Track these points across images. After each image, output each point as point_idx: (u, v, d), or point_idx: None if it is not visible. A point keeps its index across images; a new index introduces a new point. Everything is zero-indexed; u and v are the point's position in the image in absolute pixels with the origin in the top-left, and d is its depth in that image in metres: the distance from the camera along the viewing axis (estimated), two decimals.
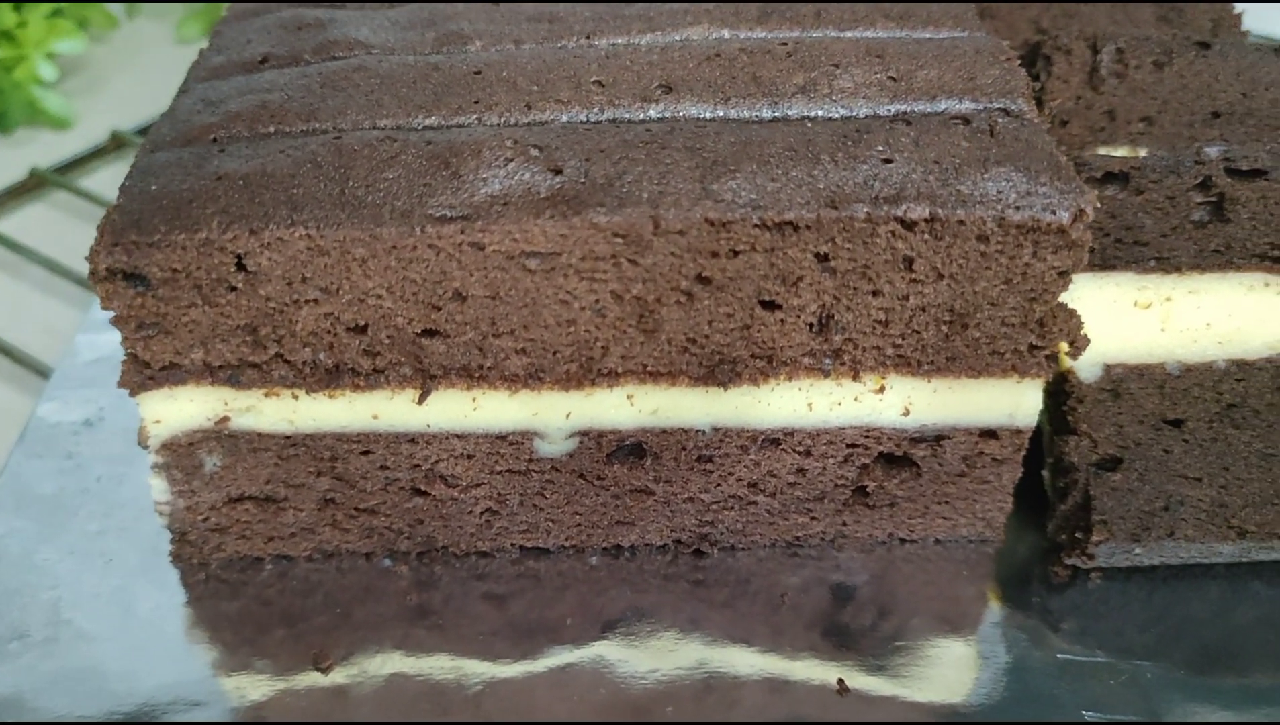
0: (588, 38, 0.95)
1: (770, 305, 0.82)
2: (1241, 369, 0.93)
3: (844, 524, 0.97)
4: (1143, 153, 1.07)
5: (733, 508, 0.95)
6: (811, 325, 0.84)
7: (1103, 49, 1.09)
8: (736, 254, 0.79)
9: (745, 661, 0.91)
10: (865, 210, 0.77)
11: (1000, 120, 0.84)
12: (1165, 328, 0.94)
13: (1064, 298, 0.92)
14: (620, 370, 0.85)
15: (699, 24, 0.96)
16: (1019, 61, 1.09)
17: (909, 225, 0.78)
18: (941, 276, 0.81)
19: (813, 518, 0.96)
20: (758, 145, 0.81)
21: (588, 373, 0.85)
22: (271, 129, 0.85)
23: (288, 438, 0.87)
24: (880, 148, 0.81)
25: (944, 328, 0.84)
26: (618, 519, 0.95)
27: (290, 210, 0.77)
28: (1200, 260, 0.94)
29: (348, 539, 0.95)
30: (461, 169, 0.79)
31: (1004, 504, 0.96)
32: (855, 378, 0.87)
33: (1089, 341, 0.87)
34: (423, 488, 0.91)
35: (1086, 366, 0.94)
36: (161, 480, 0.89)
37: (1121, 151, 1.08)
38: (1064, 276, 0.82)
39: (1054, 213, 0.77)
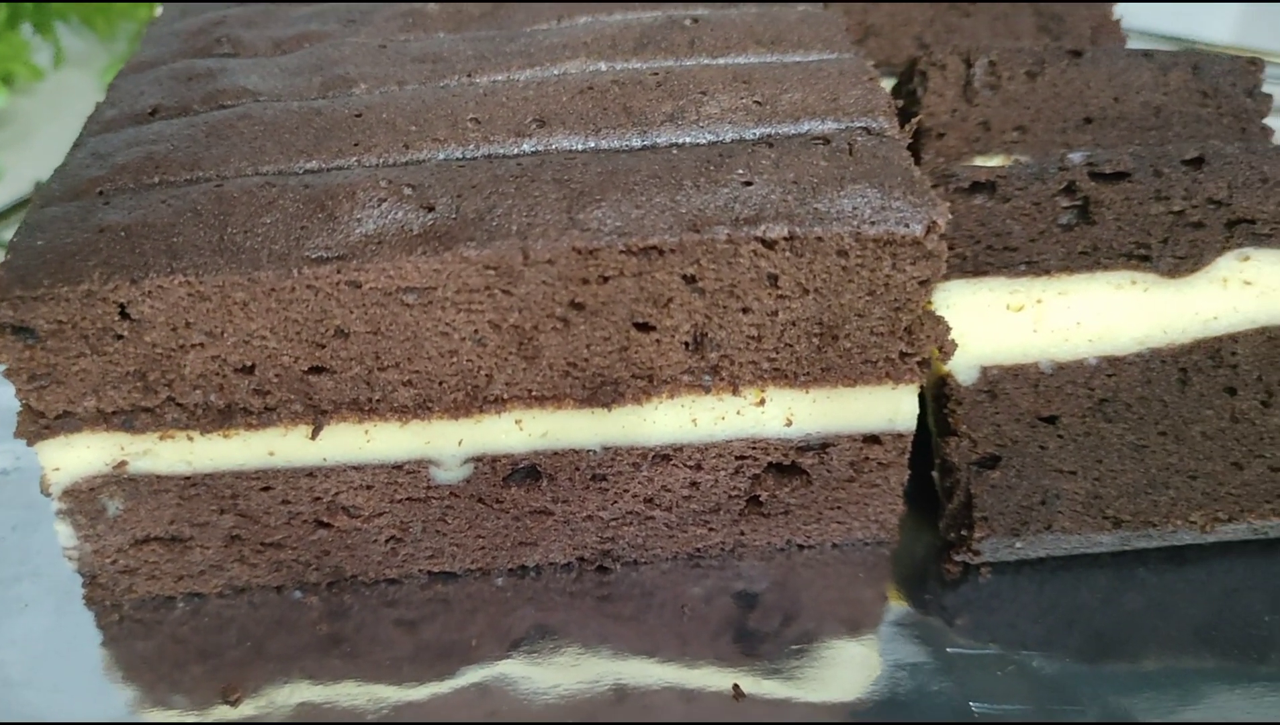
0: (469, 76, 0.98)
1: (644, 327, 0.85)
2: (1112, 365, 0.97)
3: (741, 533, 1.00)
4: (1013, 161, 1.11)
5: (631, 523, 0.98)
6: (687, 344, 0.87)
7: (975, 62, 1.13)
8: (606, 280, 0.82)
9: (650, 673, 0.94)
10: (726, 232, 0.81)
11: (859, 139, 0.88)
12: (1037, 329, 0.98)
13: (938, 304, 0.96)
14: (506, 396, 0.88)
15: (576, 57, 0.99)
16: (905, 75, 1.14)
17: (769, 244, 0.82)
18: (807, 291, 0.84)
19: (710, 529, 0.99)
20: (624, 174, 0.84)
21: (474, 400, 0.88)
22: (156, 179, 0.87)
23: (187, 478, 0.89)
24: (741, 171, 0.84)
25: (815, 340, 0.87)
26: (520, 540, 0.98)
27: (170, 258, 0.79)
28: (1069, 262, 0.98)
29: (256, 574, 0.97)
30: (337, 211, 0.81)
31: (894, 506, 0.99)
32: (735, 392, 0.90)
33: (956, 346, 0.90)
34: (325, 520, 0.94)
35: (963, 370, 0.97)
36: (67, 526, 0.91)
37: (996, 160, 1.12)
38: (925, 286, 0.85)
39: (907, 226, 0.81)
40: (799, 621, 0.98)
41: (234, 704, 0.90)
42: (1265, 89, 1.16)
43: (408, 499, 0.94)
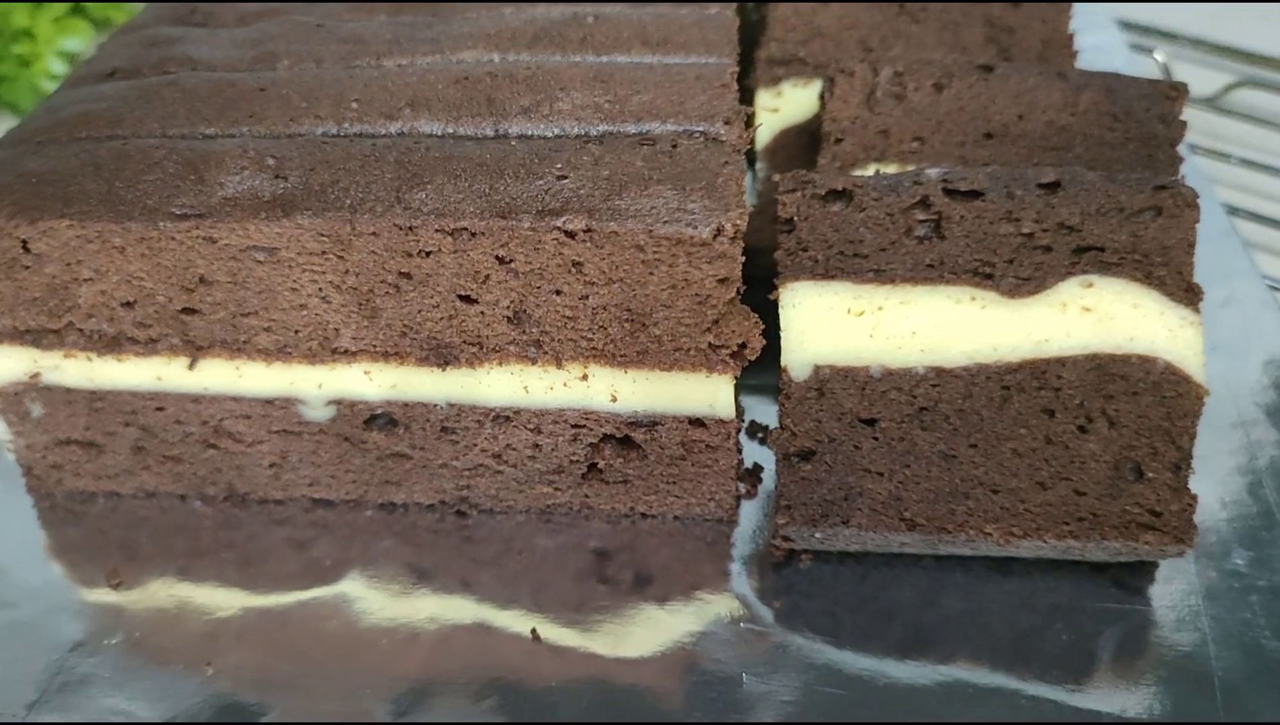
0: (378, 59, 1.09)
1: (468, 299, 0.95)
2: (939, 376, 1.01)
3: (586, 496, 1.09)
4: (910, 170, 1.15)
5: (483, 475, 1.08)
6: (508, 318, 0.96)
7: (881, 72, 1.17)
8: (428, 254, 0.92)
9: (465, 609, 1.04)
10: (530, 220, 0.89)
11: (685, 142, 0.94)
12: (874, 334, 1.02)
13: (784, 302, 1.01)
14: (354, 349, 0.99)
15: (475, 47, 1.09)
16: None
17: (570, 234, 0.90)
18: (612, 281, 0.92)
19: (556, 488, 1.09)
20: (458, 160, 0.93)
21: (326, 350, 0.99)
22: (83, 134, 1.01)
23: (92, 393, 1.04)
24: (560, 166, 0.92)
25: (627, 325, 0.95)
26: (385, 479, 1.10)
27: (63, 204, 0.93)
28: (915, 273, 1.02)
29: (162, 482, 1.12)
30: (206, 174, 0.94)
31: (727, 488, 1.06)
32: (559, 366, 0.99)
33: (764, 344, 0.97)
34: (213, 442, 1.08)
35: (798, 366, 1.03)
36: (1, 422, 1.07)
37: (890, 169, 1.16)
38: (724, 284, 0.92)
39: (695, 228, 0.88)
40: (652, 586, 1.06)
41: (115, 588, 1.05)
42: (1186, 116, 1.15)
43: (283, 431, 1.06)
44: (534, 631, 1.00)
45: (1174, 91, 1.15)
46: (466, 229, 0.90)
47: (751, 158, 1.32)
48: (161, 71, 1.10)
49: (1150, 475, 0.97)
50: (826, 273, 1.03)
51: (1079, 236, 1.00)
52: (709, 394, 0.99)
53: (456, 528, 1.12)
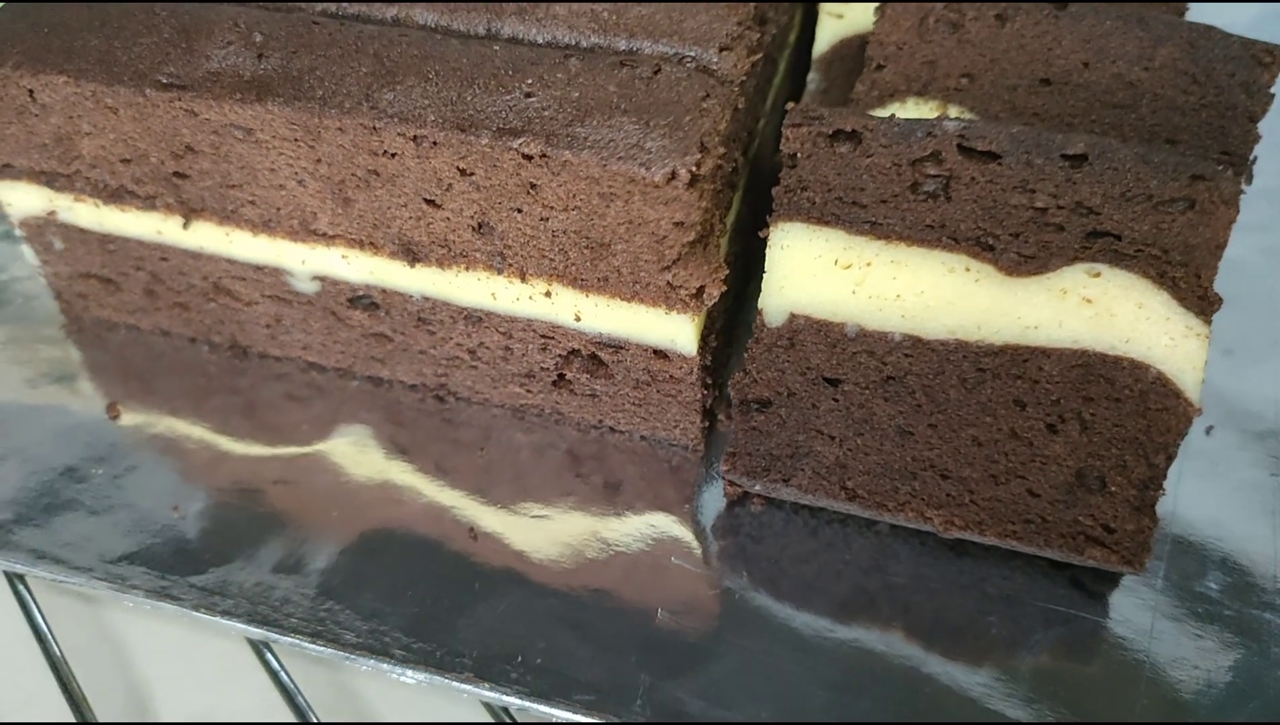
0: None
1: (433, 203, 0.94)
2: (915, 346, 0.96)
3: (556, 402, 1.10)
4: (952, 110, 1.06)
5: (460, 367, 1.10)
6: (473, 227, 0.95)
7: None
8: (392, 156, 0.91)
9: (429, 487, 1.08)
10: (486, 138, 0.87)
11: (668, 69, 0.89)
12: (857, 291, 0.97)
13: (774, 242, 0.97)
14: (331, 233, 1.01)
15: None
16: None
17: (528, 157, 0.87)
18: (569, 207, 0.90)
19: (528, 391, 1.09)
20: (436, 61, 0.91)
21: (307, 230, 1.01)
22: None
23: (103, 235, 1.09)
24: (530, 81, 0.89)
25: (586, 252, 0.93)
26: (370, 355, 1.13)
27: (64, 59, 0.96)
28: (912, 232, 0.96)
29: (174, 323, 1.18)
30: (194, 45, 0.94)
31: (691, 418, 1.05)
32: (524, 281, 0.98)
33: (724, 289, 0.93)
34: (213, 297, 1.12)
35: (774, 311, 0.99)
36: (29, 249, 1.14)
37: (929, 106, 1.07)
38: (681, 227, 0.88)
39: (648, 168, 0.84)
40: (620, 493, 1.08)
41: (114, 419, 1.13)
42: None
43: (274, 297, 1.10)
44: (471, 529, 1.03)
45: (1269, 56, 1.01)
46: (427, 137, 0.88)
47: (807, 64, 1.24)
48: None
49: (1113, 489, 0.91)
50: (822, 217, 0.98)
51: (1096, 220, 0.92)
52: (670, 329, 0.97)
53: (437, 410, 1.15)
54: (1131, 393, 0.91)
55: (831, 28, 1.22)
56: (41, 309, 1.24)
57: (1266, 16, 1.52)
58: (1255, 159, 1.02)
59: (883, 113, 1.08)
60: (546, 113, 0.87)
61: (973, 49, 1.06)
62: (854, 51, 1.21)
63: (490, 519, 1.05)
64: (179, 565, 1.01)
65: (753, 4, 0.96)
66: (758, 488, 0.99)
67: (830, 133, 0.96)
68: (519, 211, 0.91)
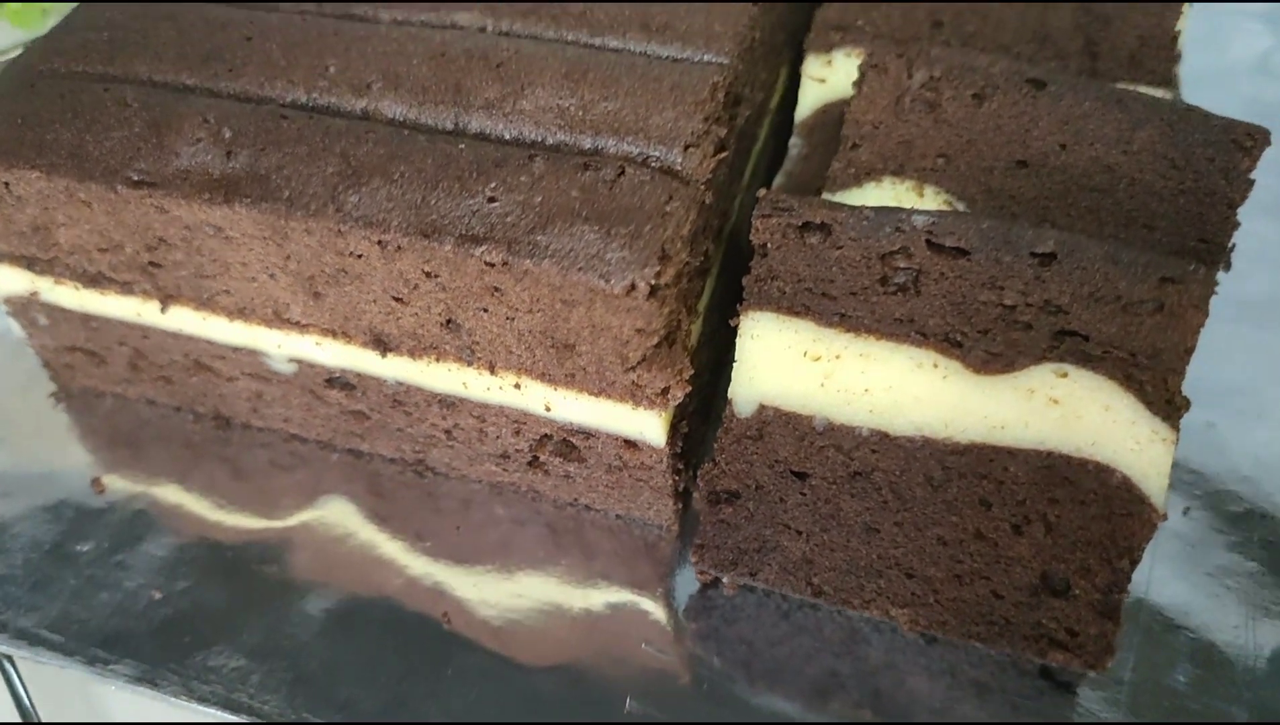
0: (377, 6, 1.05)
1: (400, 301, 0.95)
2: (882, 441, 0.96)
3: (532, 481, 1.10)
4: (928, 191, 1.06)
5: (437, 444, 1.11)
6: (441, 323, 0.96)
7: (916, 72, 1.05)
8: (359, 257, 0.92)
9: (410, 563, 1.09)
10: (450, 245, 0.87)
11: (631, 171, 0.89)
12: (826, 384, 0.97)
13: (744, 331, 0.97)
14: (304, 322, 1.01)
15: (473, 9, 1.04)
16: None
17: (490, 264, 0.87)
18: (533, 310, 0.90)
19: (504, 469, 1.10)
20: (402, 160, 0.91)
21: (280, 319, 1.02)
22: (78, 68, 1.03)
23: (85, 315, 1.11)
24: (494, 185, 0.89)
25: (552, 351, 0.93)
26: (349, 430, 1.13)
27: (36, 153, 0.97)
28: (882, 326, 0.95)
29: (159, 393, 1.19)
30: (165, 140, 0.95)
31: (664, 503, 1.05)
32: (493, 373, 0.98)
33: (689, 389, 0.93)
34: (195, 372, 1.13)
35: (743, 402, 0.99)
36: (16, 324, 1.16)
37: (905, 186, 1.06)
38: (642, 333, 0.88)
39: (608, 281, 0.84)
40: (596, 571, 1.08)
41: (98, 494, 1.15)
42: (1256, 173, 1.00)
43: (253, 375, 1.11)
44: (445, 614, 1.04)
45: (1250, 140, 1.00)
46: (391, 242, 0.88)
47: (789, 129, 1.23)
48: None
49: (1076, 592, 0.91)
50: (792, 308, 0.97)
51: (1064, 319, 0.91)
52: (638, 423, 0.97)
53: (417, 483, 1.16)
54: (1096, 496, 0.91)
55: (814, 93, 1.21)
56: (30, 377, 1.26)
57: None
58: (1234, 246, 1.01)
59: (859, 193, 1.07)
60: (509, 219, 0.87)
61: (949, 129, 1.05)
62: (836, 117, 1.20)
63: (466, 595, 1.06)
64: (161, 650, 1.03)
65: (720, 96, 0.95)
66: (726, 579, 0.99)
67: (800, 224, 0.96)
68: (485, 311, 0.92)
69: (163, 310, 1.05)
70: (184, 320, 1.06)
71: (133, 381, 1.18)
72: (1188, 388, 0.90)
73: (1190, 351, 0.89)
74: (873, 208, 0.95)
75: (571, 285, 0.85)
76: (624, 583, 1.08)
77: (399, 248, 0.89)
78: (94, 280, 1.06)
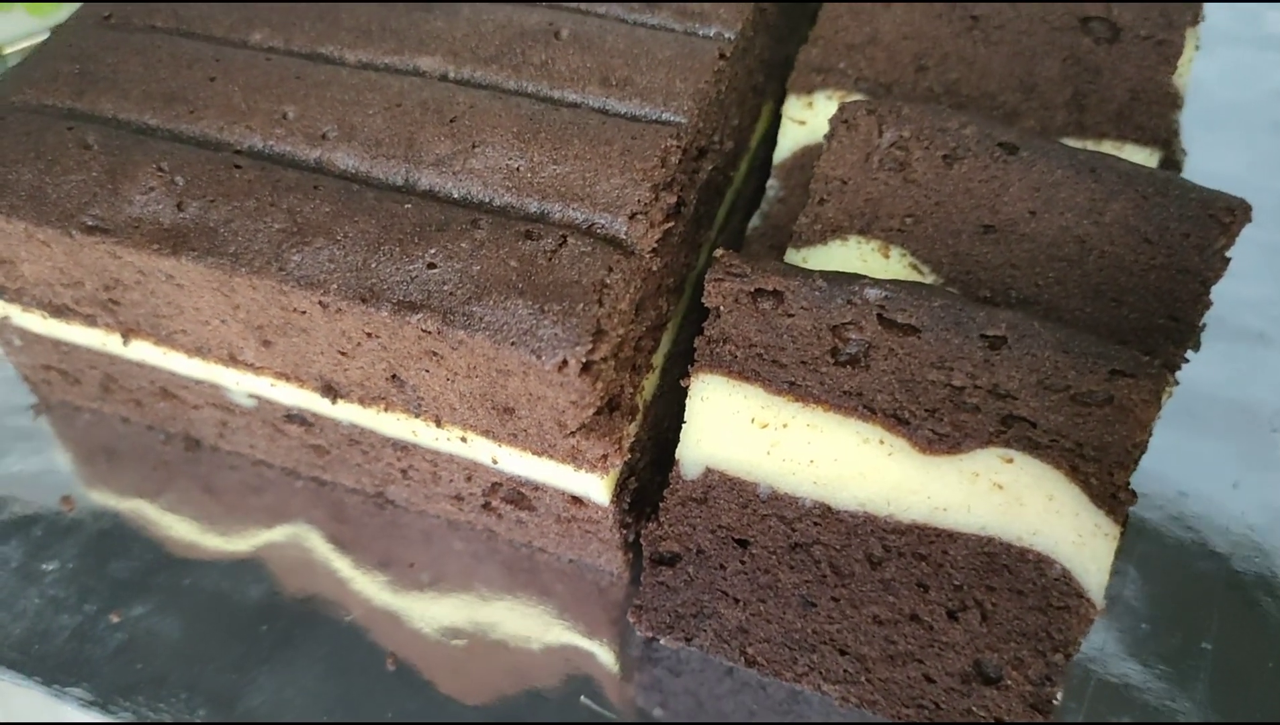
0: (342, 49, 1.05)
1: (346, 355, 0.95)
2: (824, 515, 0.95)
3: (487, 522, 1.11)
4: (894, 252, 1.04)
5: (395, 481, 1.12)
6: (387, 378, 0.96)
7: (886, 131, 1.03)
8: (303, 313, 0.92)
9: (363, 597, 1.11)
10: (386, 311, 0.87)
11: (574, 242, 0.88)
12: (772, 452, 0.96)
13: (694, 393, 0.97)
14: (258, 364, 1.02)
15: (436, 54, 1.03)
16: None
17: (426, 331, 0.87)
18: (471, 376, 0.90)
19: (460, 509, 1.11)
20: (347, 219, 0.91)
21: (235, 360, 1.03)
22: (48, 102, 1.04)
23: (55, 340, 1.12)
24: (434, 251, 0.88)
25: (494, 412, 0.93)
26: (311, 462, 1.15)
27: None
28: (830, 397, 0.94)
29: (131, 413, 1.21)
30: (119, 187, 0.95)
31: (614, 553, 1.06)
32: (439, 426, 0.98)
33: (628, 458, 0.93)
34: (162, 398, 1.15)
35: (690, 464, 0.98)
36: None
37: (871, 246, 1.04)
38: (579, 405, 0.88)
39: (539, 357, 0.83)
40: (546, 604, 1.10)
41: (68, 510, 1.17)
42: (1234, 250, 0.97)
43: (216, 405, 1.12)
44: (391, 657, 1.06)
45: (1229, 215, 0.96)
46: (331, 304, 0.88)
47: (768, 170, 1.21)
48: (149, 25, 1.10)
49: (1008, 683, 0.89)
50: (742, 373, 0.96)
51: (1012, 404, 0.89)
52: (582, 483, 0.97)
53: (379, 513, 1.17)
54: (1035, 587, 0.89)
55: (793, 135, 1.18)
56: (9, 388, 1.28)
57: None
58: (1204, 326, 0.98)
59: (824, 250, 1.05)
60: (446, 287, 0.86)
61: (918, 189, 1.03)
62: (815, 160, 1.18)
63: (416, 630, 1.07)
64: (115, 676, 1.05)
65: (674, 158, 0.93)
66: (663, 641, 1.00)
67: (752, 290, 0.94)
68: (427, 371, 0.92)
69: (124, 343, 1.07)
70: (146, 353, 1.08)
71: (106, 401, 1.20)
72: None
73: (1141, 446, 0.87)
74: (827, 276, 0.93)
75: (505, 357, 0.85)
76: (574, 627, 1.08)
77: (339, 310, 0.89)
78: (59, 311, 1.07)
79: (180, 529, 1.16)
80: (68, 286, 1.03)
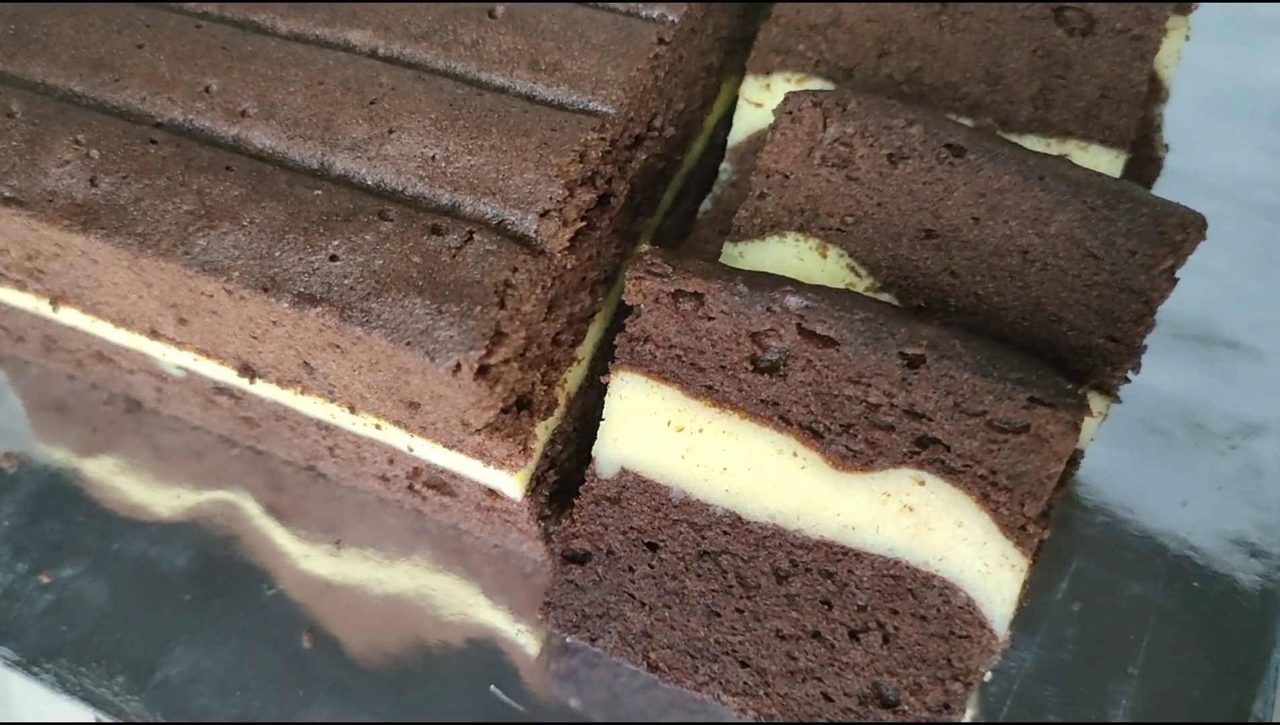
0: (276, 18, 1.02)
1: (256, 338, 0.94)
2: (734, 524, 0.93)
3: (415, 502, 1.10)
4: (831, 251, 1.00)
5: (323, 458, 1.11)
6: (299, 364, 0.95)
7: (830, 125, 0.99)
8: (210, 296, 0.91)
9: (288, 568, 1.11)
10: (286, 302, 0.85)
11: (480, 239, 0.85)
12: (686, 456, 0.94)
13: (613, 389, 0.95)
14: (179, 340, 1.01)
15: (367, 27, 1.00)
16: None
17: (325, 325, 0.86)
18: (374, 369, 0.88)
19: (387, 488, 1.10)
20: (255, 205, 0.89)
21: (157, 335, 1.02)
22: None
23: None
24: (338, 242, 0.86)
25: (402, 405, 0.92)
26: (244, 433, 1.14)
27: None
28: (746, 405, 0.92)
29: (75, 372, 1.21)
30: (37, 158, 0.94)
31: (536, 542, 1.05)
32: (354, 412, 0.97)
33: (532, 457, 0.91)
34: (98, 362, 1.15)
35: (606, 463, 0.97)
36: None
37: (809, 245, 1.01)
38: (480, 407, 0.86)
39: (433, 359, 0.82)
40: (471, 585, 1.10)
41: (8, 468, 1.18)
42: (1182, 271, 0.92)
43: (148, 372, 1.12)
44: (308, 631, 1.06)
45: (1180, 232, 0.91)
46: (234, 292, 0.87)
47: (721, 153, 1.17)
48: None
49: (905, 708, 0.88)
50: (661, 373, 0.94)
51: (927, 425, 0.86)
52: (495, 478, 0.96)
53: (314, 483, 1.17)
54: (938, 613, 0.87)
55: (749, 117, 1.14)
56: None
57: None
58: (1146, 348, 0.94)
59: (761, 246, 1.02)
60: (347, 281, 0.85)
61: (860, 188, 0.99)
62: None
63: (338, 607, 1.08)
64: (39, 647, 1.06)
65: (596, 152, 0.90)
66: (569, 640, 0.99)
67: (672, 293, 0.92)
68: (334, 361, 0.90)
69: (54, 310, 1.06)
70: (76, 319, 1.07)
71: (49, 359, 1.20)
72: None
73: (1054, 478, 0.84)
74: (750, 280, 0.90)
75: (403, 356, 0.83)
76: (497, 611, 1.08)
77: (242, 297, 0.87)
78: None
79: (117, 491, 1.17)
80: None
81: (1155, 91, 1.15)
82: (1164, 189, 1.19)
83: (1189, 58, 1.18)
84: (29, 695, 1.12)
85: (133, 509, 1.16)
